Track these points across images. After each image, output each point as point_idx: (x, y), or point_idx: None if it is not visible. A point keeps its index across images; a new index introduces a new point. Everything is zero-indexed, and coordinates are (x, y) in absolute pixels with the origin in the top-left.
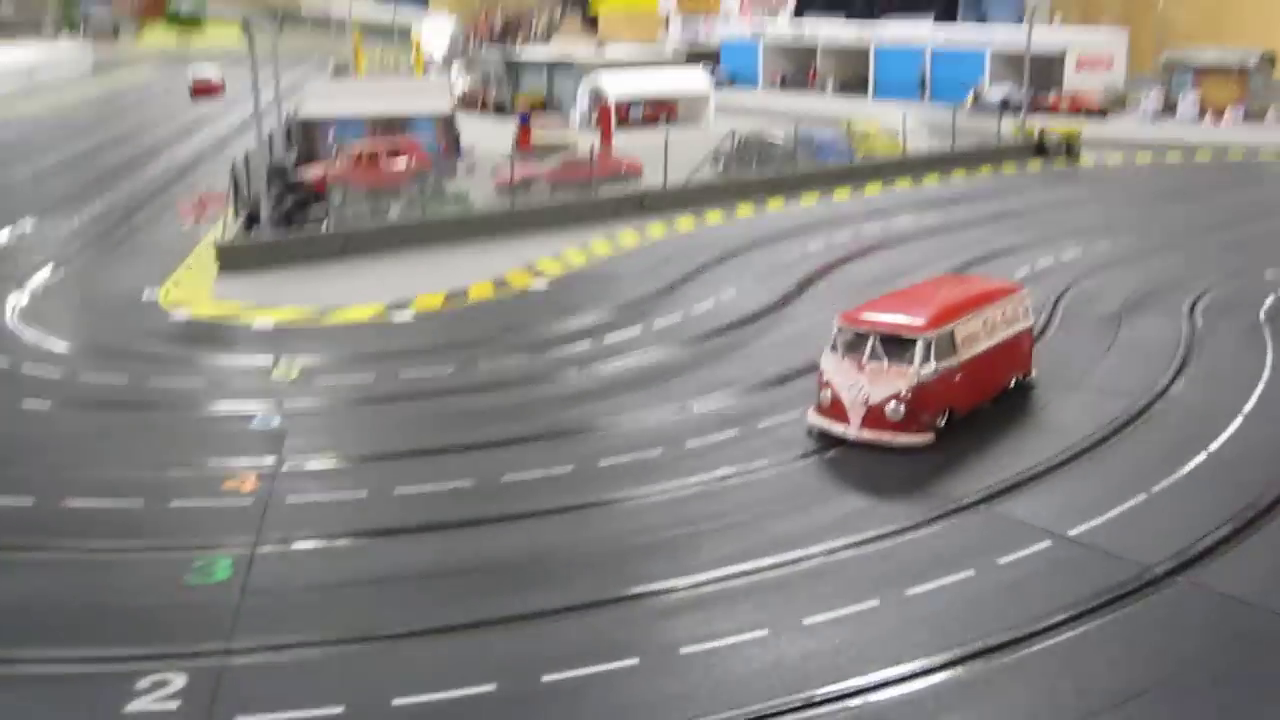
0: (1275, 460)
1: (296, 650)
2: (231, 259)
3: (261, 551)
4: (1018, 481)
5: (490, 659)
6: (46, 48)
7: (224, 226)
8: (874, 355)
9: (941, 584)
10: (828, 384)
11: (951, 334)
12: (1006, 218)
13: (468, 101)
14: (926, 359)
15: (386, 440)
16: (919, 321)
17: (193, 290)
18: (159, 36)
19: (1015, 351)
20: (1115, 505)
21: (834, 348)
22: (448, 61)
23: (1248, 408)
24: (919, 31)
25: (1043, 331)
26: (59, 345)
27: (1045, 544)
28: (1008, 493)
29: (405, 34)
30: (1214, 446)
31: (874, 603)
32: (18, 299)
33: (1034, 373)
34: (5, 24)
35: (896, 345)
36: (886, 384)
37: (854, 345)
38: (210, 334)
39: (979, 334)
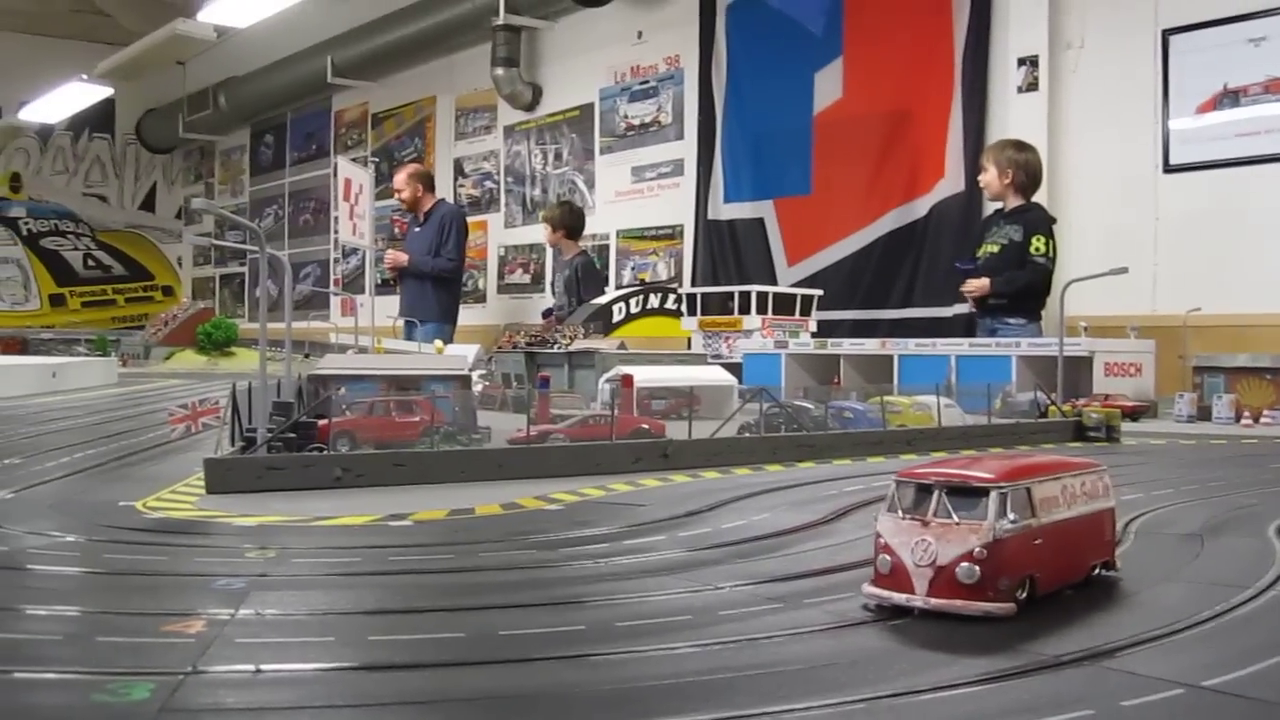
0: None
1: None
2: (220, 476)
3: (194, 678)
4: (1128, 644)
5: None
6: (76, 360)
7: (217, 446)
8: (941, 511)
9: None
10: (886, 548)
11: (1028, 491)
12: None
13: (485, 400)
14: (1003, 513)
15: (364, 601)
16: (990, 474)
17: (173, 501)
18: (188, 359)
19: (1097, 532)
20: (1256, 662)
21: (891, 508)
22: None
23: None
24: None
25: (1116, 545)
26: (16, 530)
27: (1176, 691)
28: (1117, 652)
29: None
30: None
31: None
32: None
33: (1119, 565)
34: (43, 342)
35: (967, 498)
36: (958, 542)
37: (916, 502)
38: (185, 528)
39: (1058, 499)
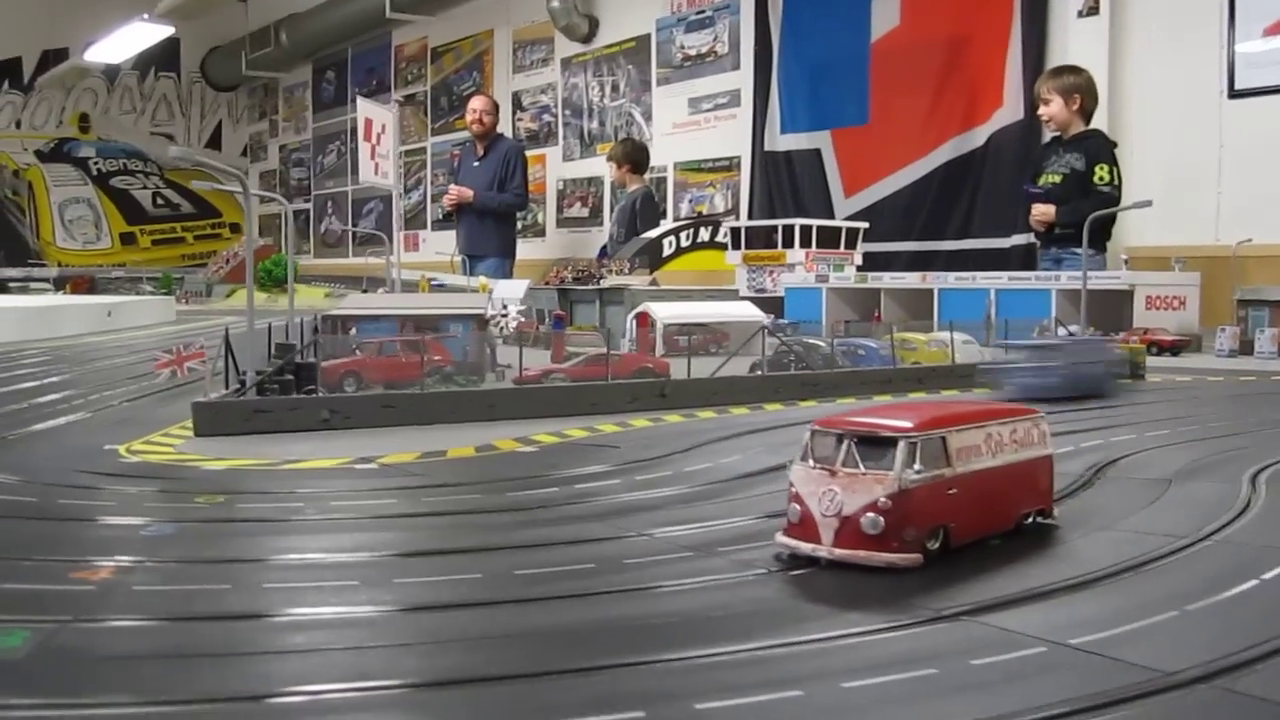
0: None
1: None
2: (208, 418)
3: (73, 626)
4: (1017, 598)
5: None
6: (133, 299)
7: (205, 390)
8: (849, 461)
9: (888, 679)
10: (797, 497)
11: (943, 440)
12: (1057, 412)
13: (520, 337)
14: (910, 463)
15: (288, 547)
16: (903, 423)
17: (158, 446)
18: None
19: (1029, 480)
20: (1136, 620)
21: (804, 457)
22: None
23: None
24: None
25: (1076, 491)
26: None
27: (1037, 650)
28: (1002, 607)
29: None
30: (1269, 575)
31: (795, 693)
32: None
33: (1056, 513)
34: (110, 280)
35: (876, 448)
36: (863, 492)
37: (828, 451)
38: (155, 473)
39: (979, 448)
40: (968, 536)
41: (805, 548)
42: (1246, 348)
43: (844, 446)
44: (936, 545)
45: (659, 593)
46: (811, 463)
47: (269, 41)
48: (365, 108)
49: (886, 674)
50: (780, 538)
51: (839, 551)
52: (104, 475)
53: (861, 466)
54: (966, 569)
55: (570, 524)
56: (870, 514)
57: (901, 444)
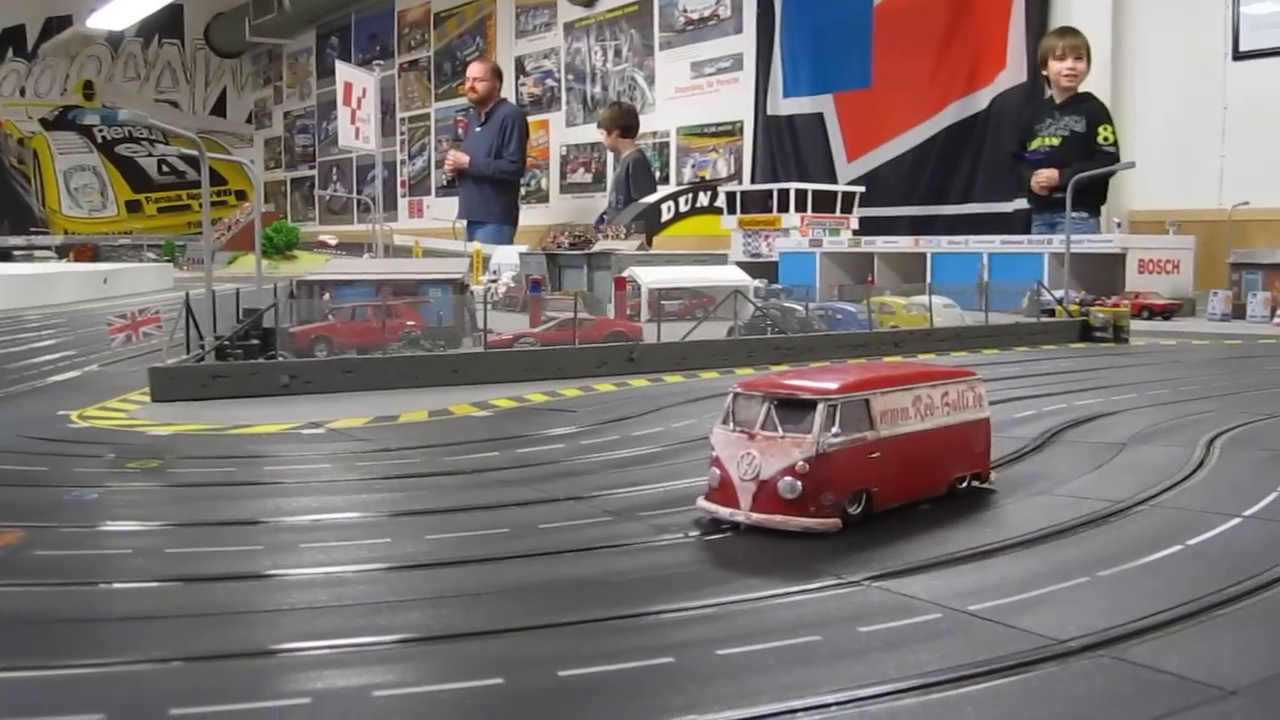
0: (1268, 552)
1: None
2: (164, 384)
3: None
4: (928, 564)
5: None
6: (130, 266)
7: (163, 355)
8: (768, 424)
9: (766, 646)
10: (716, 461)
11: (866, 403)
12: (1025, 376)
13: (507, 301)
14: (829, 426)
15: (203, 512)
16: (824, 385)
17: (111, 411)
18: (250, 263)
19: (962, 444)
20: (1043, 586)
21: (725, 420)
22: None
23: (1250, 511)
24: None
25: (1024, 455)
26: None
27: (931, 616)
28: (910, 573)
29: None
30: (1194, 541)
31: (666, 660)
32: None
33: (994, 477)
34: (113, 248)
35: (795, 411)
36: (780, 456)
37: (749, 415)
38: (100, 438)
39: (907, 411)
40: (893, 501)
41: (724, 512)
42: (1240, 312)
43: (764, 409)
44: (858, 510)
45: (563, 558)
46: (732, 426)
47: (272, 7)
48: (345, 72)
49: (767, 641)
50: (701, 502)
51: (756, 516)
52: (47, 441)
53: (780, 430)
54: (887, 534)
55: (500, 488)
56: (787, 478)
57: (820, 406)
